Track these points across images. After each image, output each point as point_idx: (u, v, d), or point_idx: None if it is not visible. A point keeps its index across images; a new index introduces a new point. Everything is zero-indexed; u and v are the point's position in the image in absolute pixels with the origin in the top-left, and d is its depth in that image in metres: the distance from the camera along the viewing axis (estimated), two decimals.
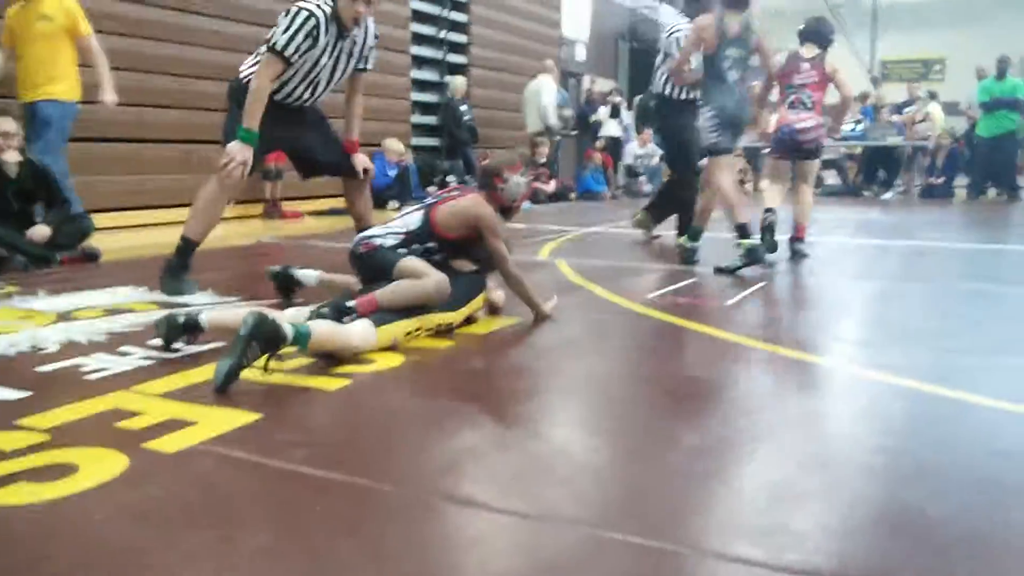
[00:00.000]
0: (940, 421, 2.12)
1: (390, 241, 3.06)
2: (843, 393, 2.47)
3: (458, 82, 10.76)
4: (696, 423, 2.16)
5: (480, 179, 3.30)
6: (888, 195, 12.06)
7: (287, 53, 3.60)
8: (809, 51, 5.27)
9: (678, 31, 5.40)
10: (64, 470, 1.70)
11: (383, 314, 2.75)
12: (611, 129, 12.92)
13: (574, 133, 12.50)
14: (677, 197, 5.81)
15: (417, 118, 10.67)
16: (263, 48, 3.70)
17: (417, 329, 2.84)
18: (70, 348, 2.71)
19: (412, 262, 2.97)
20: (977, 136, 11.20)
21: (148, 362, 2.56)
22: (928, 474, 1.76)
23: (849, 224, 7.92)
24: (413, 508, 1.57)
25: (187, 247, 3.84)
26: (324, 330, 2.52)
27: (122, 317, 3.19)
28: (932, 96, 13.44)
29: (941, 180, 12.15)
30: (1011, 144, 11.17)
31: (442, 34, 10.91)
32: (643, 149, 12.79)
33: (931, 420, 2.14)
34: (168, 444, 1.86)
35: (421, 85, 10.79)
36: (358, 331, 2.62)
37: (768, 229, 4.91)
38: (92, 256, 4.79)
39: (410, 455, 1.87)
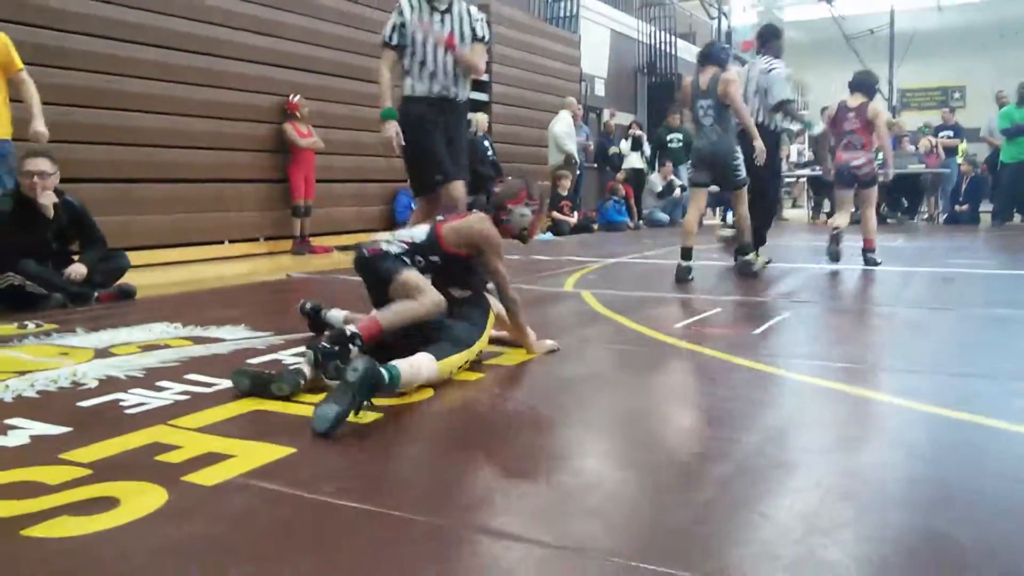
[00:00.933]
0: (968, 448, 2.12)
1: (395, 249, 3.10)
2: (871, 421, 2.47)
3: (480, 118, 10.90)
4: (726, 453, 2.17)
5: (490, 208, 3.35)
6: (913, 221, 12.00)
7: (391, 41, 4.22)
8: (855, 100, 6.50)
9: (775, 68, 6.23)
10: (106, 504, 1.75)
11: (442, 345, 2.78)
12: (633, 161, 13.01)
13: (594, 165, 12.59)
14: (758, 216, 6.23)
15: None
16: None
17: (467, 361, 2.88)
18: (109, 384, 2.77)
19: (413, 276, 2.99)
20: (1000, 162, 11.15)
21: (185, 397, 2.61)
22: (958, 502, 1.76)
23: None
24: (446, 540, 1.59)
25: None
26: (406, 369, 2.55)
27: (158, 353, 3.25)
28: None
29: (966, 207, 12.10)
30: None
31: None
32: (664, 181, 12.86)
33: (959, 447, 2.13)
34: (206, 477, 1.90)
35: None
36: (426, 365, 2.65)
37: (834, 239, 6.48)
38: (128, 293, 4.89)
39: (443, 487, 1.89)
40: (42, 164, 4.64)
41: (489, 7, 11.65)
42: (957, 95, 26.26)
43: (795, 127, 6.02)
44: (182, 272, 6.42)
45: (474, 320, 3.03)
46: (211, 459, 2.01)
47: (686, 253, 5.58)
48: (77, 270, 4.69)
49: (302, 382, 2.60)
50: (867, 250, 6.40)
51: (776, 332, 3.77)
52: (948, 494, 1.81)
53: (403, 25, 4.22)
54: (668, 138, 13.58)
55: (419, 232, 3.18)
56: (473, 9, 4.43)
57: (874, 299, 4.99)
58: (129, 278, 5.07)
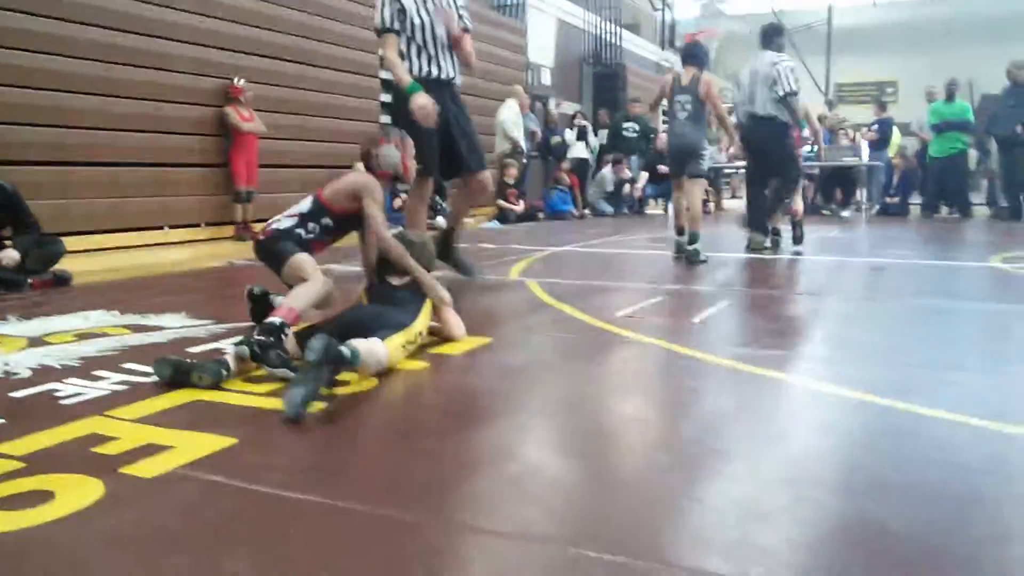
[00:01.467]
0: (899, 435, 2.20)
1: (286, 224, 3.24)
2: (805, 409, 2.54)
3: None
4: (664, 441, 2.22)
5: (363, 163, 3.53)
6: (846, 213, 12.33)
7: (387, 24, 4.35)
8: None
9: (782, 62, 6.54)
10: (41, 497, 1.71)
11: (382, 332, 2.76)
12: (578, 151, 13.08)
13: (535, 155, 12.63)
14: (773, 196, 6.85)
15: None
16: None
17: (407, 343, 2.87)
18: (43, 373, 2.71)
19: (297, 259, 3.13)
20: (929, 157, 11.52)
21: (122, 387, 2.56)
22: (889, 488, 1.83)
23: (809, 242, 8.08)
24: (389, 529, 1.60)
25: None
26: (364, 346, 2.57)
27: (95, 341, 3.18)
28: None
29: (897, 199, 12.48)
30: (962, 163, 11.54)
31: None
32: (616, 178, 12.93)
33: (891, 434, 2.21)
34: (145, 469, 1.87)
35: (390, 108, 10.83)
36: (378, 346, 2.67)
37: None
38: (63, 280, 4.76)
39: (388, 478, 1.90)
40: None
41: None
42: (890, 90, 26.97)
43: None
44: (120, 258, 6.27)
45: (408, 306, 3.05)
46: (150, 450, 1.99)
47: (680, 231, 6.29)
48: (9, 256, 4.56)
49: (225, 372, 2.59)
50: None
51: (714, 320, 3.86)
52: (882, 480, 1.87)
53: (401, 10, 4.35)
54: (624, 126, 13.63)
55: (304, 203, 3.33)
56: None
57: (809, 288, 5.12)
58: (65, 264, 4.94)
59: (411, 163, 3.54)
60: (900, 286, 5.26)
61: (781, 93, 6.43)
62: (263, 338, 2.70)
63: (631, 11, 21.62)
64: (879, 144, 12.83)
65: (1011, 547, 1.54)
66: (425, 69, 4.42)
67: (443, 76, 4.49)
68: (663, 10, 22.02)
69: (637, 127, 13.74)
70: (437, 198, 10.00)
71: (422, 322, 3.04)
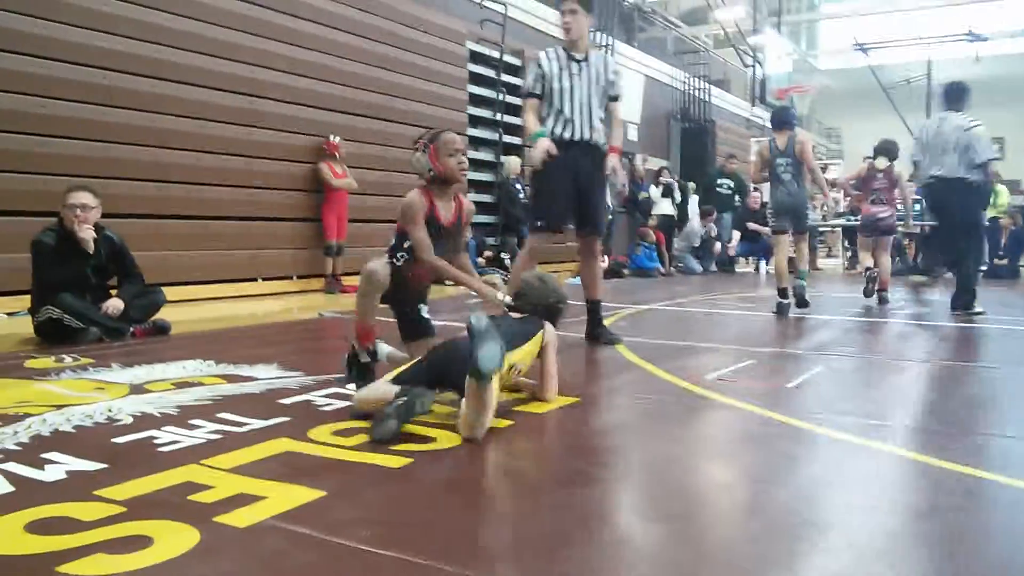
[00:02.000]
0: (1002, 508, 2.08)
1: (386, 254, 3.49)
2: (905, 480, 2.41)
3: (513, 162, 11.02)
4: (758, 509, 2.14)
5: None
6: (950, 274, 11.85)
7: (530, 88, 4.62)
8: (881, 163, 7.59)
9: (977, 126, 6.69)
10: (140, 542, 1.76)
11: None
12: (663, 208, 13.02)
13: (622, 210, 12.63)
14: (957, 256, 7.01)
15: (473, 196, 10.92)
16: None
17: (501, 375, 2.76)
18: (143, 420, 2.81)
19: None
20: None
21: (217, 436, 2.63)
22: (992, 564, 1.71)
23: (911, 304, 7.80)
24: None
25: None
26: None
27: (192, 390, 3.29)
28: (998, 177, 13.31)
29: (1006, 260, 11.95)
30: None
31: (497, 116, 11.22)
32: (704, 229, 12.83)
33: (993, 507, 2.09)
34: (238, 519, 1.90)
35: (477, 164, 11.07)
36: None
37: (870, 280, 7.60)
38: (163, 329, 4.96)
39: (471, 538, 1.88)
40: (84, 198, 4.75)
41: (524, 52, 11.86)
42: (996, 147, 26.07)
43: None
44: (216, 309, 6.51)
45: (512, 339, 2.92)
46: (242, 500, 2.02)
47: (783, 292, 6.57)
48: (114, 305, 4.78)
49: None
50: (882, 291, 7.50)
51: (810, 386, 3.73)
52: (984, 556, 1.76)
53: (543, 76, 4.56)
54: (719, 182, 13.52)
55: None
56: (609, 59, 4.77)
57: (909, 353, 4.92)
58: (164, 314, 5.15)
59: (449, 161, 3.43)
60: (1007, 352, 5.00)
61: (980, 160, 6.51)
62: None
63: (721, 68, 21.63)
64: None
65: None
66: (558, 132, 4.54)
67: (576, 138, 4.55)
68: (754, 66, 21.93)
69: (732, 184, 13.59)
70: (503, 255, 10.12)
71: (520, 356, 2.95)
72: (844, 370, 4.04)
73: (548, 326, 3.18)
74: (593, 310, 4.82)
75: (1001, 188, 12.94)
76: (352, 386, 3.30)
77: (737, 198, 13.82)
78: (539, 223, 4.71)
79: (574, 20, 4.52)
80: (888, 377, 4.00)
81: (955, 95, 6.89)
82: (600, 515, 2.08)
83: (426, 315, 3.69)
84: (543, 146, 4.40)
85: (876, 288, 7.51)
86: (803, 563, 1.75)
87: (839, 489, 2.30)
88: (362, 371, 3.42)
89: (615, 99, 4.71)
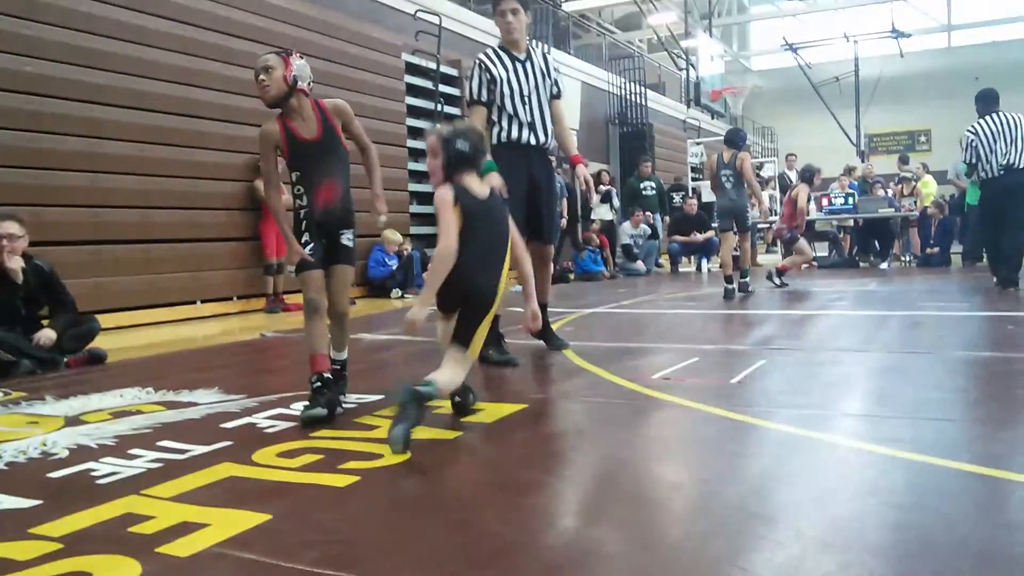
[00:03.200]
0: (946, 494, 2.12)
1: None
2: (849, 469, 2.46)
3: None
4: (705, 506, 2.16)
5: None
6: (885, 265, 12.20)
7: (479, 98, 4.44)
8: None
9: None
10: None
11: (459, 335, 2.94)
12: (603, 213, 13.17)
13: (563, 216, 12.72)
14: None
15: (416, 208, 10.88)
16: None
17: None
18: (79, 453, 2.73)
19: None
20: (967, 205, 11.38)
21: (157, 464, 2.57)
22: (937, 550, 1.76)
23: (848, 296, 7.99)
24: None
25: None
26: (442, 375, 2.83)
27: (130, 419, 3.21)
28: (926, 168, 13.76)
29: (936, 249, 12.33)
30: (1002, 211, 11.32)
31: (437, 127, 11.21)
32: (636, 229, 13.02)
33: (937, 493, 2.13)
34: (181, 548, 1.86)
35: (418, 175, 11.03)
36: (453, 363, 2.90)
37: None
38: (98, 358, 4.83)
39: (422, 552, 1.87)
40: (10, 227, 4.61)
41: (460, 63, 11.88)
42: (923, 138, 26.96)
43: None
44: (154, 334, 6.37)
45: None
46: (186, 529, 1.97)
47: (728, 279, 7.83)
48: (46, 335, 4.64)
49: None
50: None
51: (753, 380, 3.79)
52: (929, 542, 1.80)
53: (492, 81, 4.43)
54: (641, 186, 13.87)
55: None
56: (549, 58, 4.69)
57: (848, 344, 5.03)
58: (100, 342, 5.01)
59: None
60: (943, 338, 5.15)
61: None
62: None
63: (656, 72, 21.94)
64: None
65: None
66: (515, 135, 4.45)
67: (532, 141, 4.49)
68: (687, 69, 22.29)
69: (654, 185, 14.06)
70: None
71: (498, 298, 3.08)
72: (786, 363, 4.11)
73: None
74: (544, 313, 4.76)
75: (929, 179, 13.36)
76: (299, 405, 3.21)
77: (675, 198, 14.20)
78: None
79: (516, 19, 4.46)
80: (829, 368, 4.08)
81: (995, 97, 8.03)
82: (550, 523, 2.08)
83: (346, 242, 3.46)
84: (498, 184, 4.24)
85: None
86: (750, 558, 1.77)
87: (785, 482, 2.34)
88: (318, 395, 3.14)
89: (558, 96, 4.65)
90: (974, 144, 7.83)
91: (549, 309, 4.89)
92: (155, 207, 7.14)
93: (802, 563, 1.71)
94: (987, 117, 7.85)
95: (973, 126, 7.91)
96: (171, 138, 7.30)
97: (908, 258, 12.74)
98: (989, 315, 6.19)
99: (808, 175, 9.71)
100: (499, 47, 4.54)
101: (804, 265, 9.14)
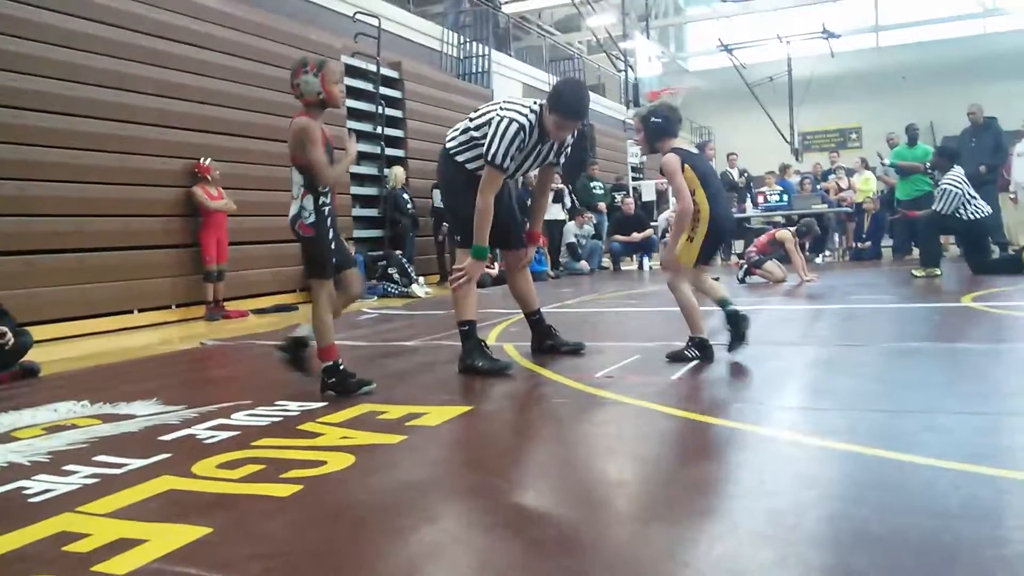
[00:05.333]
0: (881, 484, 2.19)
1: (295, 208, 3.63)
2: (787, 462, 2.52)
3: (398, 172, 10.98)
4: (647, 504, 2.20)
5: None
6: (819, 259, 12.50)
7: (504, 165, 4.00)
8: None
9: None
10: None
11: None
12: (555, 212, 13.23)
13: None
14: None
15: (358, 211, 10.79)
16: (467, 125, 4.21)
17: None
18: (10, 471, 2.65)
19: None
20: (896, 200, 11.73)
21: (94, 480, 2.51)
22: (871, 539, 1.81)
23: (785, 290, 8.17)
24: None
25: (470, 328, 4.19)
26: (722, 290, 3.81)
27: (64, 434, 3.12)
28: (866, 164, 14.14)
29: (868, 244, 12.68)
30: (928, 205, 11.71)
31: (378, 130, 11.14)
32: (580, 229, 13.11)
33: (872, 484, 2.20)
34: (118, 566, 1.82)
35: (360, 179, 10.95)
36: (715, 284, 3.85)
37: None
38: (32, 371, 4.69)
39: (367, 560, 1.86)
40: None
41: (401, 64, 11.82)
42: (854, 135, 27.67)
43: None
44: (90, 345, 6.20)
45: None
46: (123, 545, 1.93)
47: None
48: None
49: None
50: None
51: (693, 376, 3.86)
52: (864, 532, 1.85)
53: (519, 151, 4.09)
54: (592, 186, 14.13)
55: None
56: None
57: (785, 338, 5.15)
58: (33, 355, 4.87)
59: (335, 88, 3.62)
60: (876, 331, 5.30)
61: None
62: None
63: (595, 73, 22.12)
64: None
65: None
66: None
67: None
68: (626, 71, 22.52)
69: (602, 185, 14.27)
70: (390, 270, 10.04)
71: None
72: (725, 358, 4.19)
73: None
74: (540, 320, 4.69)
75: (868, 175, 13.74)
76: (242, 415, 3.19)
77: (615, 198, 14.43)
78: (458, 238, 4.36)
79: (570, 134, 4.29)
80: (767, 362, 4.17)
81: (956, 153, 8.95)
82: (492, 525, 2.09)
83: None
84: (476, 276, 4.17)
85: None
86: (689, 551, 1.81)
87: (724, 477, 2.39)
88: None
89: (556, 164, 4.50)
90: (956, 195, 8.50)
91: (492, 310, 4.90)
92: (89, 215, 6.94)
93: (739, 556, 1.75)
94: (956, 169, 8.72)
95: (952, 180, 8.61)
96: (104, 144, 7.11)
97: (841, 252, 13.08)
98: (918, 307, 6.39)
99: (805, 230, 9.34)
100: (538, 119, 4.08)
101: (775, 283, 8.85)
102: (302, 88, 3.58)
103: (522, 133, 4.00)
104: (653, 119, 4.14)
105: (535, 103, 4.14)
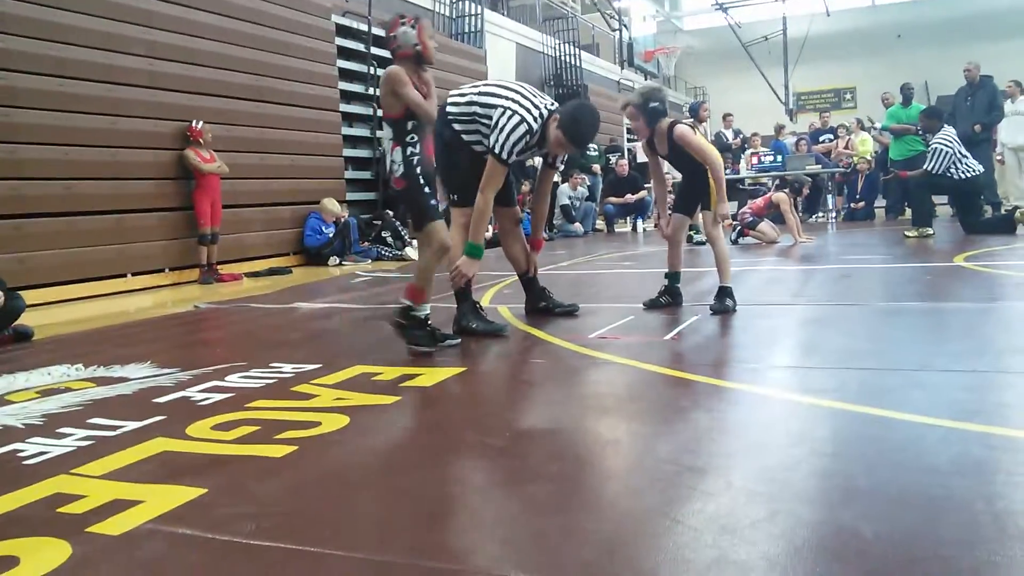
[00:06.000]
0: (871, 441, 2.21)
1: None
2: (778, 420, 2.54)
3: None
4: (639, 462, 2.21)
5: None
6: (811, 220, 12.49)
7: (508, 160, 4.00)
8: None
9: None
10: (5, 563, 1.66)
11: None
12: None
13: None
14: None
15: (351, 173, 10.71)
16: (472, 98, 4.14)
17: None
18: (5, 433, 2.65)
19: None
20: (890, 160, 11.69)
21: (88, 442, 2.51)
22: (860, 495, 1.83)
23: (778, 250, 8.18)
24: (361, 572, 1.58)
25: (466, 289, 4.19)
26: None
27: (58, 397, 3.12)
28: (860, 124, 14.07)
29: (862, 204, 12.66)
30: (922, 165, 11.68)
31: (371, 91, 11.02)
32: (574, 192, 13.05)
33: (862, 440, 2.22)
34: (113, 526, 1.83)
35: (353, 140, 10.85)
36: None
37: None
38: (24, 335, 4.68)
39: (361, 520, 1.87)
40: None
41: None
42: (848, 96, 27.52)
43: None
44: (83, 309, 6.19)
45: None
46: (117, 507, 1.94)
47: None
48: None
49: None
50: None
51: (686, 336, 3.87)
52: (853, 487, 1.88)
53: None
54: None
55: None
56: None
57: (778, 298, 5.16)
58: (26, 319, 4.85)
59: (430, 43, 3.59)
60: (868, 290, 5.31)
61: None
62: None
63: (589, 33, 21.88)
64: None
65: (982, 547, 1.54)
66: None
67: None
68: (620, 30, 22.29)
69: (595, 146, 14.20)
70: (384, 233, 10.00)
71: None
72: (718, 318, 4.20)
73: None
74: (534, 281, 4.69)
75: (865, 135, 13.69)
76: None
77: (611, 159, 14.36)
78: (455, 197, 4.32)
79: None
80: (759, 322, 4.19)
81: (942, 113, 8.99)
82: (488, 485, 2.10)
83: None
84: (470, 274, 4.11)
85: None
86: (682, 509, 1.82)
87: (717, 435, 2.40)
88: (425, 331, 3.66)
89: (553, 166, 4.64)
90: (947, 153, 8.47)
91: (486, 272, 4.88)
92: (79, 178, 6.88)
93: (732, 512, 1.77)
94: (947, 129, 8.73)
95: (943, 139, 8.58)
96: (93, 106, 7.02)
97: (835, 212, 13.06)
98: (910, 266, 6.41)
99: (798, 186, 9.53)
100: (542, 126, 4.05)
101: (768, 243, 8.88)
102: (400, 40, 3.54)
103: (528, 136, 3.99)
104: (652, 104, 4.31)
105: (546, 107, 4.10)
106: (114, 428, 2.64)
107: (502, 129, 3.94)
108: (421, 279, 3.66)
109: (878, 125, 11.80)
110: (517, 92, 4.13)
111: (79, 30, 6.92)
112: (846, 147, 13.43)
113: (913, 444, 2.17)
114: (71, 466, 2.27)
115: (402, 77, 3.49)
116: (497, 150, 3.96)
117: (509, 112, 3.97)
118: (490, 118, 4.02)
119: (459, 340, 3.84)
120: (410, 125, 3.55)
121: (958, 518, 1.68)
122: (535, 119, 4.00)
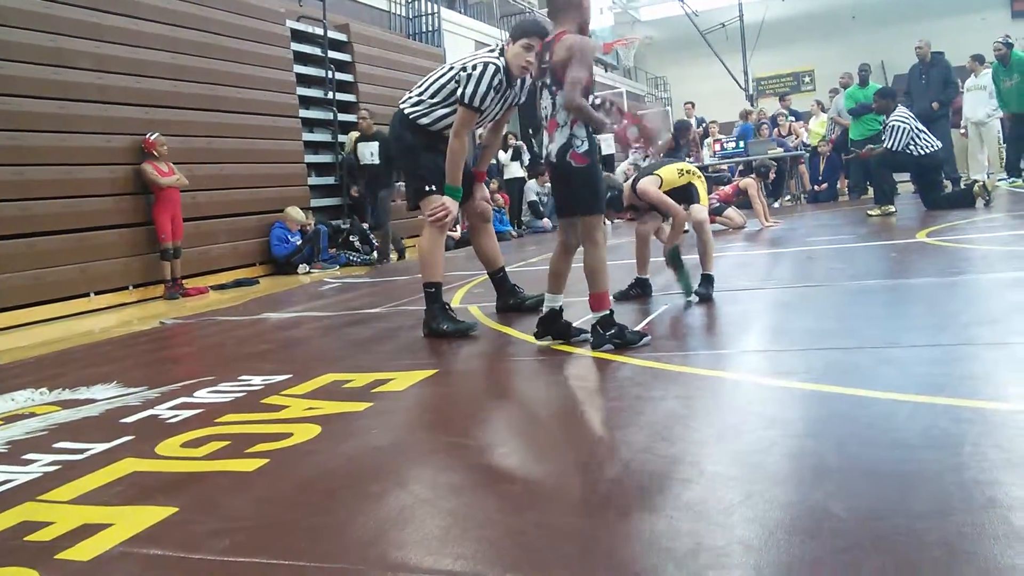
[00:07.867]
0: (841, 419, 2.23)
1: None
2: (749, 404, 2.56)
3: (354, 137, 10.80)
4: (613, 453, 2.21)
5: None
6: (776, 204, 12.60)
7: (481, 106, 3.98)
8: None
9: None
10: None
11: None
12: (514, 171, 13.17)
13: None
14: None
15: (314, 179, 10.64)
16: (419, 97, 4.17)
17: None
18: None
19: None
20: (850, 140, 11.83)
21: (55, 467, 2.46)
22: (832, 473, 1.85)
23: (741, 235, 8.24)
24: None
25: (436, 291, 4.16)
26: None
27: (23, 423, 3.06)
28: (820, 107, 14.19)
29: (824, 185, 12.80)
30: (881, 142, 11.84)
31: (329, 95, 10.94)
32: (542, 187, 13.07)
33: (832, 419, 2.24)
34: (83, 552, 1.79)
35: (315, 146, 10.78)
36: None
37: None
38: None
39: (336, 529, 1.85)
40: None
41: (349, 27, 11.58)
42: (807, 79, 27.81)
43: None
44: (46, 331, 6.08)
45: None
46: (87, 531, 1.91)
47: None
48: None
49: None
50: None
51: (656, 325, 3.88)
52: (824, 466, 1.89)
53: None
54: None
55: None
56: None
57: (746, 282, 5.20)
58: None
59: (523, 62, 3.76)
60: (834, 270, 5.37)
61: None
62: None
63: (548, 26, 21.87)
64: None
65: (952, 518, 1.56)
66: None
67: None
68: None
69: None
70: (352, 237, 9.92)
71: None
72: (686, 307, 4.22)
73: None
74: (504, 279, 4.70)
75: (824, 117, 13.83)
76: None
77: None
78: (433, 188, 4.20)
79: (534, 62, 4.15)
80: (728, 307, 4.21)
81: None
82: (460, 486, 2.09)
83: None
84: (454, 212, 4.12)
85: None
86: (657, 497, 1.82)
87: (689, 422, 2.41)
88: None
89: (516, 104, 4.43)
90: (904, 130, 8.65)
91: (456, 272, 4.88)
92: (32, 199, 6.75)
93: (708, 498, 1.77)
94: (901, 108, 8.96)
95: (899, 116, 8.76)
96: (42, 124, 6.89)
97: (799, 194, 13.19)
98: (874, 244, 6.48)
99: (765, 170, 9.74)
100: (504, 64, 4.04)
101: (735, 228, 9.07)
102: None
103: (500, 74, 4.00)
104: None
105: (490, 49, 4.18)
106: (81, 451, 2.59)
107: (474, 80, 3.95)
108: (600, 280, 3.41)
109: (833, 115, 12.01)
110: (461, 60, 4.18)
111: (24, 46, 6.79)
112: (789, 132, 13.62)
113: (882, 420, 2.19)
114: (37, 492, 2.23)
115: (591, 49, 3.27)
116: (468, 100, 3.96)
117: (471, 66, 4.00)
118: (455, 92, 4.04)
119: (649, 337, 3.46)
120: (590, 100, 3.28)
121: (928, 491, 1.70)
122: (495, 60, 4.02)
